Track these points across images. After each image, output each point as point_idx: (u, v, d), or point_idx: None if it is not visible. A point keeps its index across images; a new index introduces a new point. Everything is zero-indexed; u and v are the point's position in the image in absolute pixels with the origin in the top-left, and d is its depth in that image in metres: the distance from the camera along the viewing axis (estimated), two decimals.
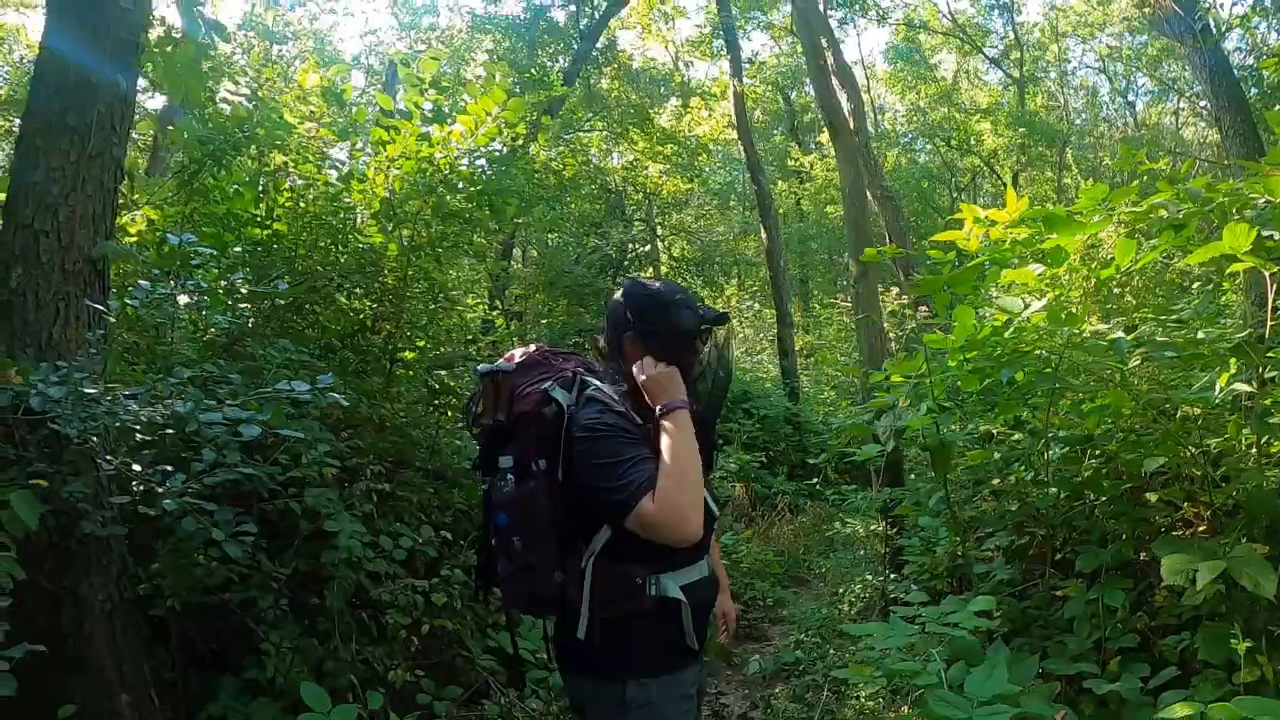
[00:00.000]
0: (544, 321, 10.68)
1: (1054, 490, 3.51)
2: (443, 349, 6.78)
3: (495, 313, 8.23)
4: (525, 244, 16.25)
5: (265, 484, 3.17)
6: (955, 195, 23.84)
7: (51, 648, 3.20)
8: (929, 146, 25.34)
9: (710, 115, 18.23)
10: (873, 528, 6.05)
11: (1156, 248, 3.41)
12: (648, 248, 17.75)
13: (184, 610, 3.44)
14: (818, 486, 9.50)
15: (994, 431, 4.09)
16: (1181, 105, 24.36)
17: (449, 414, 6.16)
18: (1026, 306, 3.12)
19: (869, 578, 5.88)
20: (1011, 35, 23.33)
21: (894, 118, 27.51)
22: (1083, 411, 3.41)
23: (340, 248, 4.74)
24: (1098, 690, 2.69)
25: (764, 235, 15.53)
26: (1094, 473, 3.37)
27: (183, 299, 4.08)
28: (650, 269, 17.57)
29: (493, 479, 2.10)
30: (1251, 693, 2.36)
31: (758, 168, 15.58)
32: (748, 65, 21.06)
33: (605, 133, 16.53)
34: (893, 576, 5.47)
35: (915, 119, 24.89)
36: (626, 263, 17.19)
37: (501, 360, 2.24)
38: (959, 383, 3.63)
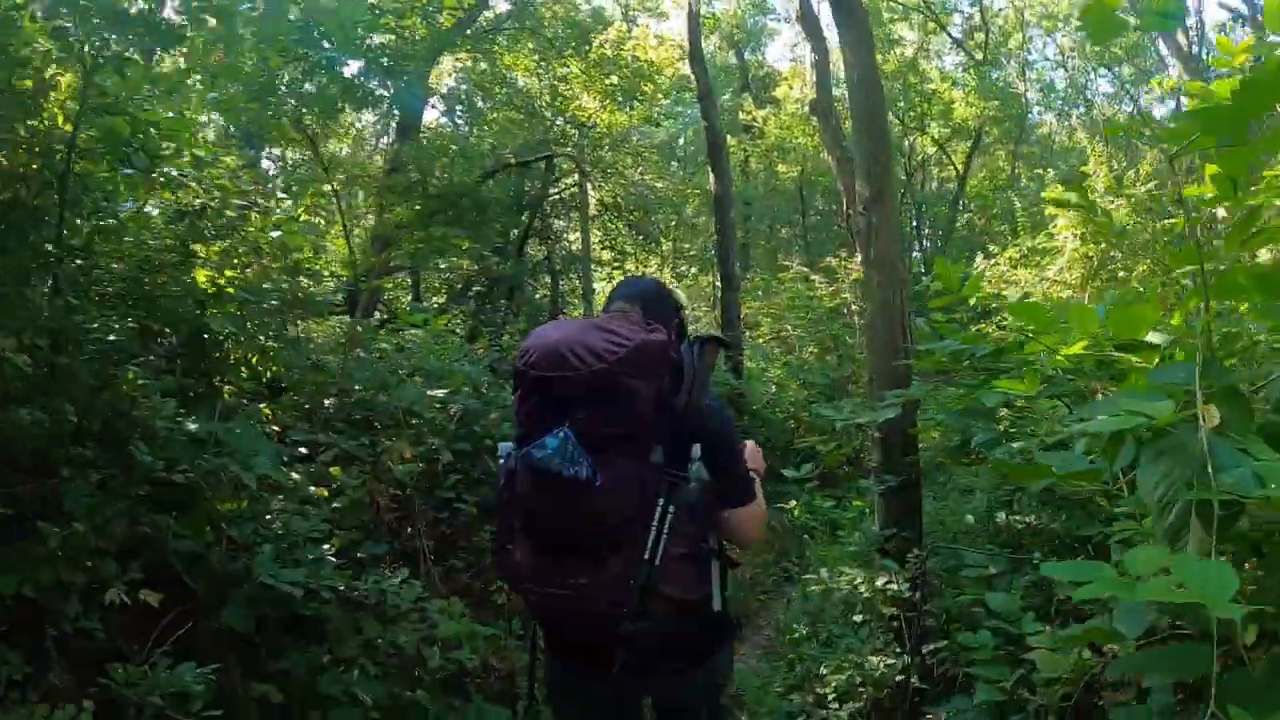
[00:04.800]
0: (402, 234, 7.72)
1: None
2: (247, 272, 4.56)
3: (317, 218, 5.70)
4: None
5: None
6: (908, 176, 22.57)
7: None
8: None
9: (660, 44, 15.67)
10: (880, 584, 3.85)
11: None
12: (575, 190, 15.31)
13: None
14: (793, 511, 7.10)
15: None
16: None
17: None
18: None
19: (873, 660, 3.68)
20: (978, 16, 22.86)
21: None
22: None
23: None
24: None
25: (712, 180, 13.25)
26: None
27: None
28: (576, 214, 15.23)
29: (679, 475, 1.95)
30: None
31: (710, 100, 13.23)
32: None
33: (535, 51, 13.96)
34: (917, 680, 3.32)
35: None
36: (549, 202, 14.82)
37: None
38: None
